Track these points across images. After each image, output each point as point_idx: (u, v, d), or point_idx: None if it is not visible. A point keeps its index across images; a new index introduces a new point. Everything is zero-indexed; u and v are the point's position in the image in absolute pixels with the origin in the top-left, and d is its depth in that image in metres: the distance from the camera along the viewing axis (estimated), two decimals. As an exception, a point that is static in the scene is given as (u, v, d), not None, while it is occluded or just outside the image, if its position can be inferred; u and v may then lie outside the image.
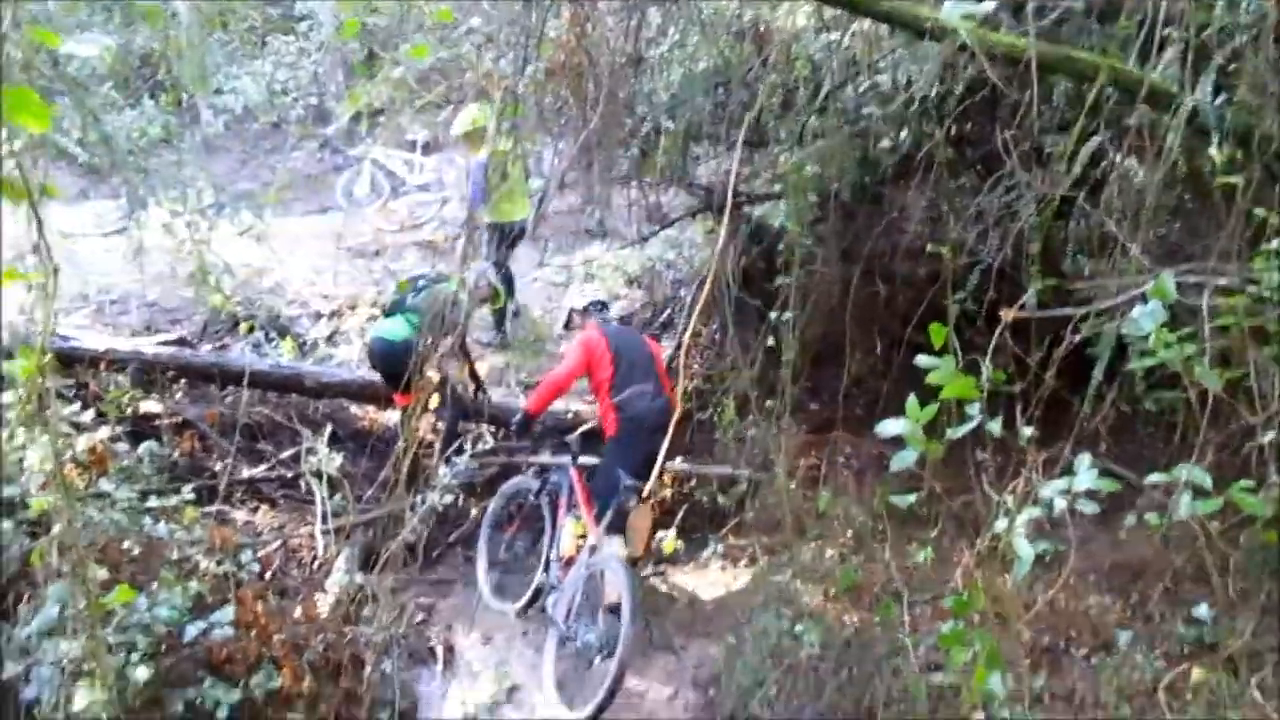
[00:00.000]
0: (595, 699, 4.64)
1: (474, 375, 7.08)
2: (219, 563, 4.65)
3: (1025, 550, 2.80)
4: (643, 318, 8.50)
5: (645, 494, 6.10)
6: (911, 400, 2.53)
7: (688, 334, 7.33)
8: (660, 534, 6.55)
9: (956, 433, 2.48)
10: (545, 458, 6.63)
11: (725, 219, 4.72)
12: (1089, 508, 2.85)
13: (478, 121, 8.11)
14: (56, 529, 2.10)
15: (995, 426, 2.44)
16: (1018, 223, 4.80)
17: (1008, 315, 2.45)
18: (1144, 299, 2.50)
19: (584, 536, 5.68)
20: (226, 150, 12.71)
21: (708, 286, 5.17)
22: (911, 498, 2.70)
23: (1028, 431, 2.52)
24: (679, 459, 6.86)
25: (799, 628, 5.02)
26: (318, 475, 5.60)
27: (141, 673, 3.11)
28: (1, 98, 2.03)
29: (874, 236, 6.34)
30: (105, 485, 4.62)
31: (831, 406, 7.25)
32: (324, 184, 12.72)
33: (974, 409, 2.39)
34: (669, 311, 8.48)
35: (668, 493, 6.87)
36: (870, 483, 6.96)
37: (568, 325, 6.48)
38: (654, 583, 6.25)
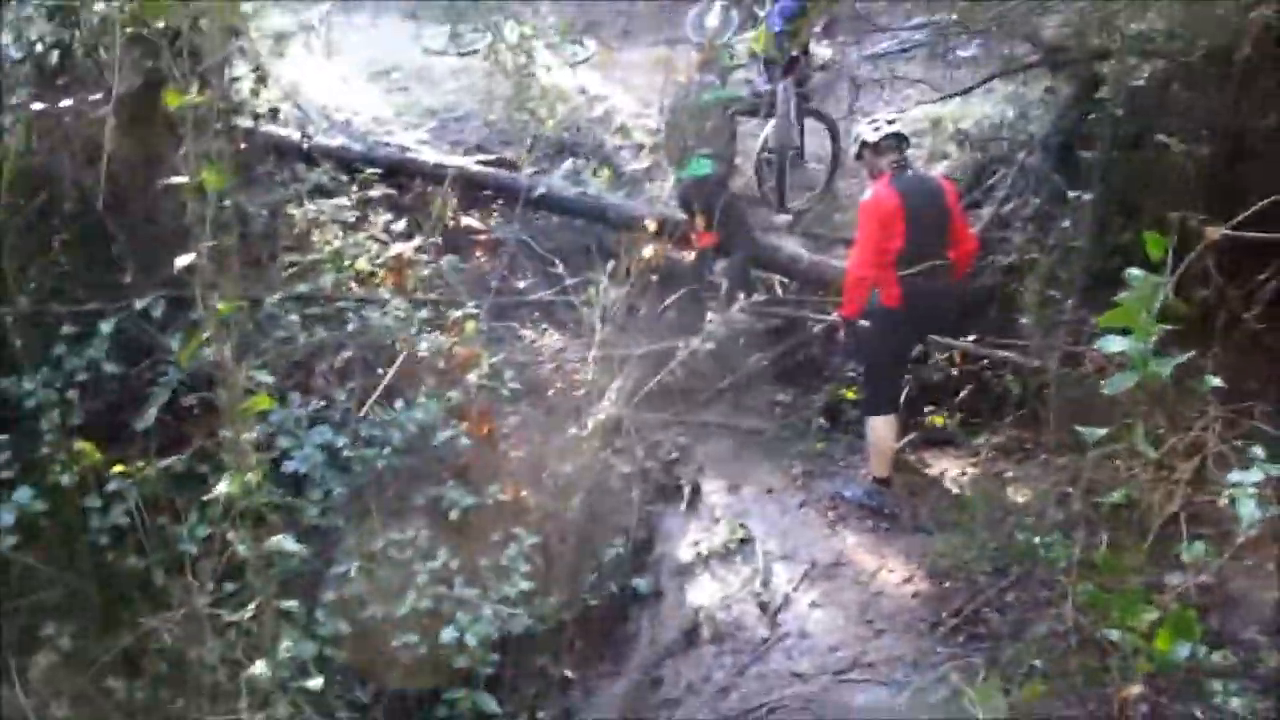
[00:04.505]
0: None
1: None
2: (481, 378, 4.98)
3: (1250, 510, 2.36)
4: (968, 181, 7.82)
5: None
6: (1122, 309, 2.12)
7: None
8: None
9: (1163, 368, 2.05)
10: None
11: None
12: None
13: None
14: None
15: (1213, 380, 2.00)
16: None
17: (1211, 234, 1.95)
18: None
19: None
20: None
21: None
22: (1101, 431, 2.32)
23: (1213, 381, 2.04)
24: (970, 337, 6.38)
25: (1047, 539, 4.62)
26: (592, 305, 5.78)
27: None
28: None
29: (1241, 113, 5.34)
30: (383, 293, 5.05)
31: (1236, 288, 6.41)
32: (679, 14, 12.67)
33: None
34: (1000, 174, 7.74)
35: (954, 370, 6.46)
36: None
37: (858, 157, 5.85)
38: (916, 461, 5.98)
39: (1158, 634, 2.39)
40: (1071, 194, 4.59)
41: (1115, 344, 2.36)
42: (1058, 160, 6.82)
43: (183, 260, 2.22)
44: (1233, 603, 4.33)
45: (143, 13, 3.17)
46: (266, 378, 2.60)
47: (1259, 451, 2.46)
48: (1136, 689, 2.26)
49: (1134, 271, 2.03)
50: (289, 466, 4.11)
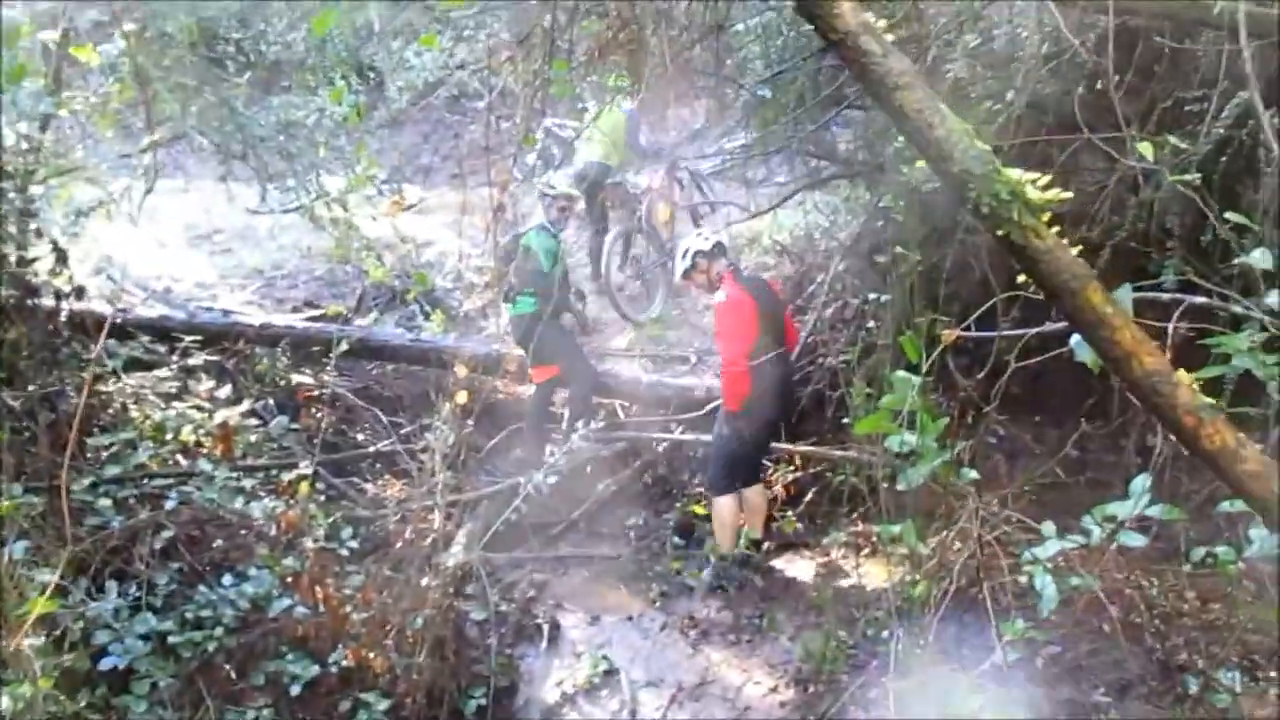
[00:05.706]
0: None
1: None
2: (316, 540, 4.82)
3: (1048, 588, 2.47)
4: (790, 290, 8.14)
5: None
6: (872, 417, 2.25)
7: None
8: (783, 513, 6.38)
9: (929, 464, 2.17)
10: None
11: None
12: (1133, 540, 2.48)
13: None
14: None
15: (971, 473, 2.12)
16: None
17: (948, 336, 2.11)
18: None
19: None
20: (413, 125, 13.17)
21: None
22: (895, 528, 2.42)
23: (971, 474, 2.18)
24: (809, 441, 6.57)
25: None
26: (430, 450, 5.70)
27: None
28: None
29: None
30: (204, 465, 4.87)
31: (986, 382, 6.76)
32: (500, 155, 13.00)
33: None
34: (818, 282, 8.10)
35: (795, 475, 6.61)
36: (1024, 468, 6.44)
37: (689, 271, 6.04)
38: (772, 565, 6.04)
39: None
40: (872, 296, 4.84)
41: (896, 441, 2.48)
42: (867, 263, 7.20)
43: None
44: (1079, 669, 4.49)
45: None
46: (47, 576, 2.44)
47: (1050, 527, 2.58)
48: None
49: (898, 374, 2.16)
50: (108, 662, 3.86)
